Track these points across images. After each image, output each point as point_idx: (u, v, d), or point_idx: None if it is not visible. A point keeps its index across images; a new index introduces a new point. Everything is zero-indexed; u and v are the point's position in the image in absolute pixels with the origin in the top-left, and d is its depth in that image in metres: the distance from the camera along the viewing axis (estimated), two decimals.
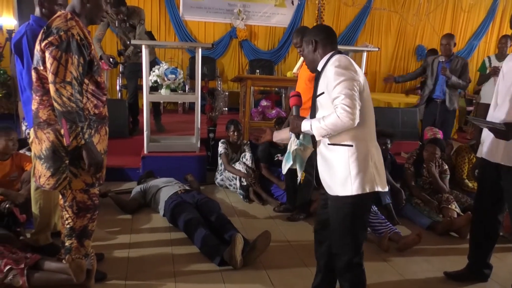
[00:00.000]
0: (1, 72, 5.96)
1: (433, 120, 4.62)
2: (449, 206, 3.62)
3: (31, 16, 2.55)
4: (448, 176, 3.92)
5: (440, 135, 3.97)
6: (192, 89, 6.09)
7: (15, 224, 2.82)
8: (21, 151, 3.30)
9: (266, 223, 3.50)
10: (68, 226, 2.19)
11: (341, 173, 1.93)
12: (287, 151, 2.44)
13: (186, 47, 6.79)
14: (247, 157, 4.21)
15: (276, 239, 3.05)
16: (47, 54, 1.94)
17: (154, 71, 4.22)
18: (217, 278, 2.59)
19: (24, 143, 3.76)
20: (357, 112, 1.80)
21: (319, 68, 2.04)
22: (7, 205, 2.75)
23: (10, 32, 5.55)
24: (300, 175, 2.39)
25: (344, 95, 1.79)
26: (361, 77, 1.91)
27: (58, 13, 2.07)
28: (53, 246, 2.68)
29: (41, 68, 2.02)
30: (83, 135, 1.98)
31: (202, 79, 4.36)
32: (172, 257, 2.83)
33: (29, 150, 3.55)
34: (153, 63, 4.61)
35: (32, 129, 2.22)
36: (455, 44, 4.57)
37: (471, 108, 7.24)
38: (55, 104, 1.94)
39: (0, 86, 5.92)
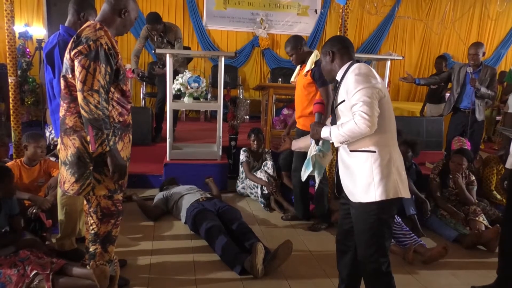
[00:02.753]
0: (30, 80, 6.16)
1: (461, 131, 4.51)
2: (477, 218, 3.52)
3: (60, 26, 2.61)
4: (475, 187, 3.80)
5: (467, 146, 3.86)
6: (215, 97, 6.15)
7: (42, 229, 2.90)
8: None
9: (287, 232, 3.47)
10: (92, 231, 2.23)
11: (364, 180, 1.92)
12: (307, 157, 2.43)
13: (209, 56, 6.87)
14: (268, 165, 4.20)
15: (297, 248, 3.03)
16: (76, 63, 1.99)
17: (177, 80, 4.28)
18: (238, 286, 2.58)
19: (48, 149, 3.84)
20: (375, 119, 1.81)
21: (338, 78, 2.05)
22: (34, 210, 2.83)
23: (39, 41, 5.71)
24: (318, 181, 2.37)
25: (363, 102, 1.81)
26: (381, 84, 1.92)
27: (88, 23, 2.12)
28: (78, 251, 2.73)
29: (70, 76, 2.07)
30: (108, 142, 2.01)
31: (224, 88, 4.39)
32: (193, 265, 2.83)
33: (53, 156, 3.65)
34: (177, 72, 4.68)
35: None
36: (484, 53, 4.41)
37: (499, 118, 7.06)
38: (82, 112, 1.98)
39: (29, 94, 6.11)
